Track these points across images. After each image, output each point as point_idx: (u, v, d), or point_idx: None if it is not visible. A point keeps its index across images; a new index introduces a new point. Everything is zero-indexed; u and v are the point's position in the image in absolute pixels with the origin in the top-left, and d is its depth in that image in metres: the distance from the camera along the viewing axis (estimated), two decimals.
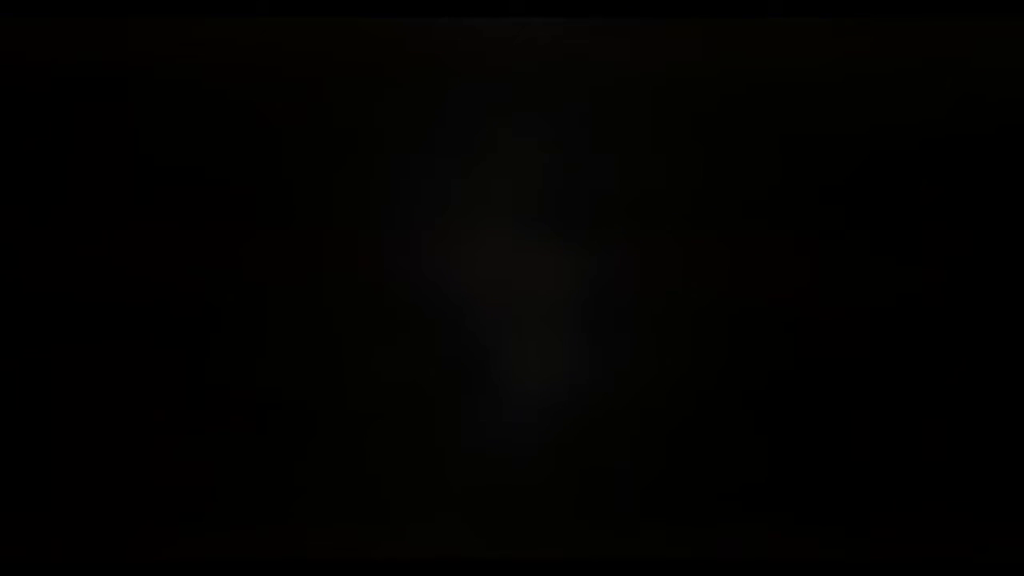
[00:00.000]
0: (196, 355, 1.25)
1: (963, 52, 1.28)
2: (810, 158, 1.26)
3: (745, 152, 1.26)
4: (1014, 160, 1.24)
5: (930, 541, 1.23)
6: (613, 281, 1.24)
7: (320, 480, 1.24)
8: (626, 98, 1.27)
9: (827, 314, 1.23)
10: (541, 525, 1.23)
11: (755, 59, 1.29)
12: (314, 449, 1.25)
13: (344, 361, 1.25)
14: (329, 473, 1.24)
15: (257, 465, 1.24)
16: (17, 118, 1.28)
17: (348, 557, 1.25)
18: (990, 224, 1.23)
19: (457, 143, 1.27)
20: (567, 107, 1.28)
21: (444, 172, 1.27)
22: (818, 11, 1.31)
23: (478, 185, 1.26)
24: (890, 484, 1.22)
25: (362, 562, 1.24)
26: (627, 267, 1.24)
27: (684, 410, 1.23)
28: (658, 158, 1.27)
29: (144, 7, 1.32)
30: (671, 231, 1.25)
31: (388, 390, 1.25)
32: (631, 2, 1.31)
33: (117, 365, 1.26)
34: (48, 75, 1.29)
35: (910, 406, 1.23)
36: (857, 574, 1.21)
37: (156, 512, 1.23)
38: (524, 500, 1.23)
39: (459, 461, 1.24)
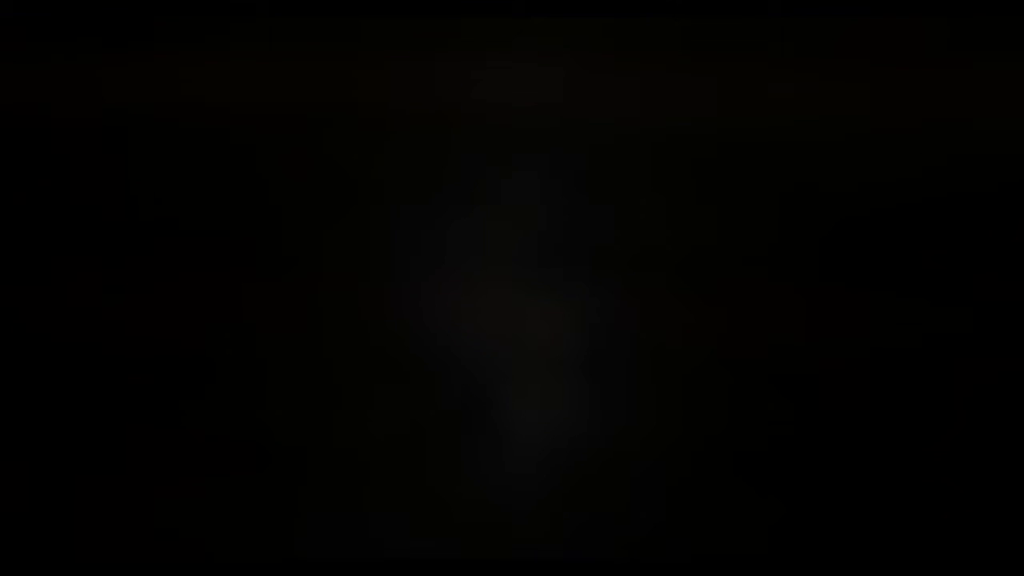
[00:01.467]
0: (194, 404, 1.25)
1: (958, 110, 1.28)
2: (808, 212, 1.26)
3: (744, 205, 1.26)
4: (1009, 216, 1.24)
5: None
6: (612, 331, 1.24)
7: (318, 527, 1.24)
8: (626, 150, 1.28)
9: (826, 367, 1.23)
10: (536, 573, 1.23)
11: (755, 114, 1.29)
12: (312, 496, 1.25)
13: (343, 410, 1.25)
14: (327, 520, 1.24)
15: (255, 512, 1.24)
16: (11, 166, 1.28)
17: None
18: (990, 279, 1.23)
19: (457, 192, 1.27)
20: (567, 158, 1.28)
21: (444, 221, 1.27)
22: (816, 65, 1.31)
23: (477, 234, 1.26)
24: (894, 544, 1.22)
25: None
26: (626, 318, 1.24)
27: (682, 460, 1.23)
28: (658, 209, 1.26)
29: (139, 51, 1.32)
30: (671, 282, 1.25)
31: (386, 438, 1.25)
32: (631, 52, 1.31)
33: (114, 412, 1.26)
34: (44, 122, 1.29)
35: (911, 461, 1.22)
36: None
37: (153, 560, 1.23)
38: (521, 547, 1.23)
39: (457, 509, 1.24)
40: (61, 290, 1.26)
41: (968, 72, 1.30)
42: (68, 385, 1.26)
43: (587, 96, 1.30)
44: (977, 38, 1.30)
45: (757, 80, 1.30)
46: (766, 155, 1.27)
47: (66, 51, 1.31)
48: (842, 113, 1.29)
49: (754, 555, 1.21)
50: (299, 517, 1.23)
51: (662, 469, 1.23)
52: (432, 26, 1.32)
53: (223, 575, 1.23)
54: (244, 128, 1.29)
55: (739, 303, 1.24)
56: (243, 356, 1.24)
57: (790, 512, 1.22)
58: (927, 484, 1.22)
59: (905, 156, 1.27)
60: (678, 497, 1.23)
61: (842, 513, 1.22)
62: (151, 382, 1.24)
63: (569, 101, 1.29)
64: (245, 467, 1.24)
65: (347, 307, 1.26)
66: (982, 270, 1.23)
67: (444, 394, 1.24)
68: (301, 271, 1.25)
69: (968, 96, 1.29)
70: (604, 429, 1.24)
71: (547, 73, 1.31)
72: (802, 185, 1.26)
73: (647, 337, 1.23)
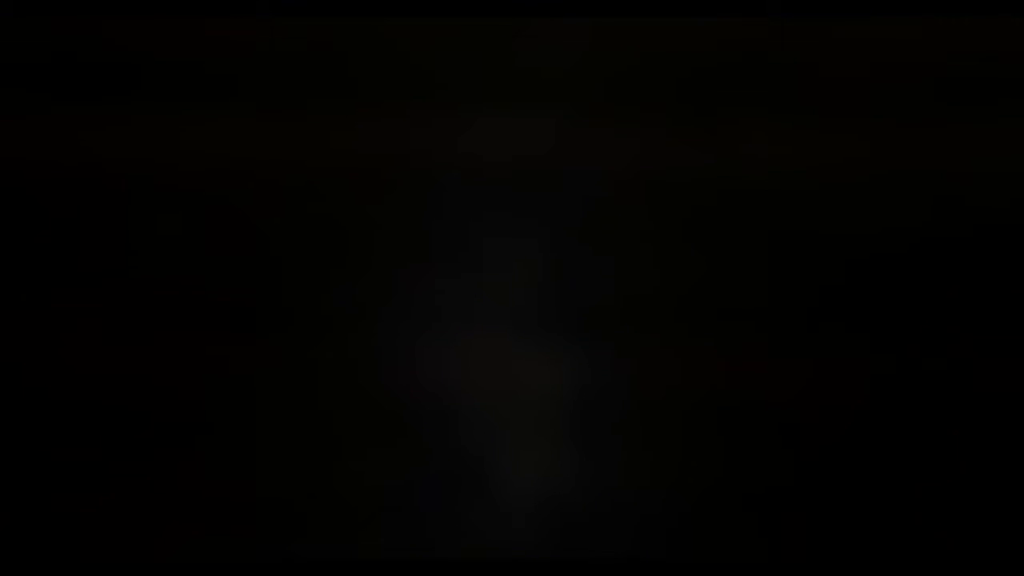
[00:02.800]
0: (188, 460, 1.25)
1: (949, 158, 1.29)
2: (801, 261, 1.26)
3: (737, 254, 1.26)
4: (1002, 262, 1.24)
5: None
6: (605, 383, 1.24)
7: None
8: (618, 201, 1.28)
9: (821, 416, 1.23)
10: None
11: (746, 163, 1.30)
12: (308, 551, 1.25)
13: (336, 465, 1.25)
14: (319, 573, 1.24)
15: (252, 568, 1.24)
16: (6, 221, 1.28)
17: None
18: (982, 324, 1.24)
19: (450, 247, 1.28)
20: (559, 210, 1.28)
21: (437, 276, 1.27)
22: (809, 113, 1.31)
23: (471, 289, 1.27)
24: None
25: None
26: (619, 369, 1.24)
27: (677, 515, 1.23)
28: (649, 260, 1.27)
29: (135, 108, 1.32)
30: (663, 333, 1.25)
31: (381, 493, 1.25)
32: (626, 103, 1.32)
33: (108, 467, 1.25)
34: (37, 179, 1.30)
35: (905, 508, 1.23)
36: None
37: None
38: None
39: (452, 563, 1.24)
40: (55, 347, 1.26)
41: (957, 121, 1.31)
42: (62, 442, 1.26)
43: (578, 147, 1.30)
44: (965, 88, 1.31)
45: (748, 129, 1.31)
46: (758, 204, 1.27)
47: (60, 107, 1.31)
48: (834, 161, 1.29)
49: None
50: (292, 571, 1.23)
51: (657, 521, 1.23)
52: (424, 73, 1.32)
53: None
54: (238, 185, 1.29)
55: (732, 353, 1.24)
56: (236, 412, 1.24)
57: (784, 559, 1.22)
58: (922, 531, 1.22)
59: (897, 204, 1.27)
60: (673, 548, 1.23)
61: (836, 561, 1.22)
62: (145, 438, 1.25)
63: (560, 153, 1.30)
64: (239, 522, 1.24)
65: (341, 364, 1.26)
66: (975, 317, 1.24)
67: (437, 450, 1.24)
68: (295, 327, 1.25)
69: (958, 144, 1.30)
70: (597, 482, 1.24)
71: (537, 125, 1.31)
72: (794, 234, 1.26)
73: (640, 388, 1.23)
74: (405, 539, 1.23)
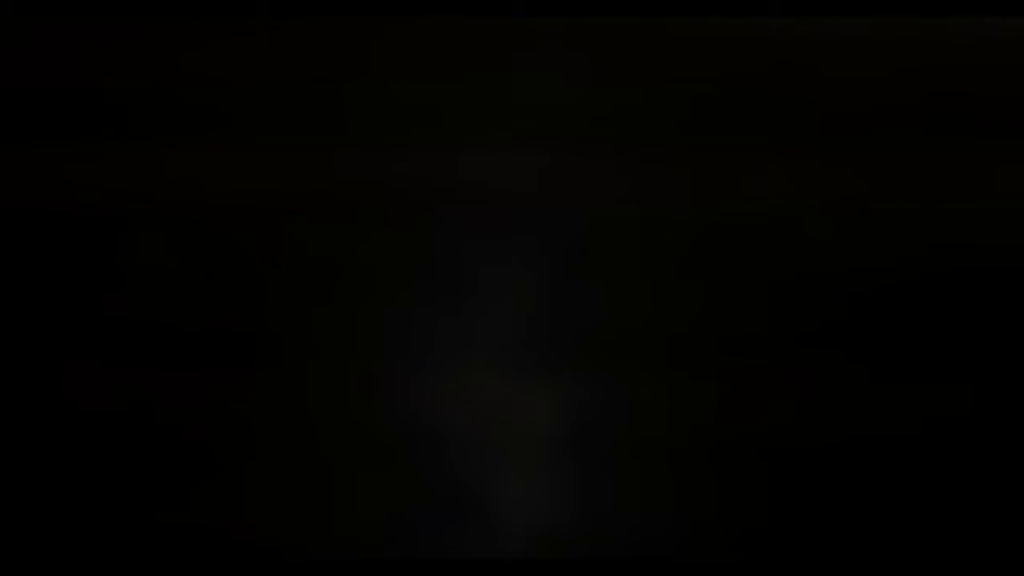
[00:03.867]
0: (183, 494, 1.25)
1: (946, 192, 1.29)
2: (795, 294, 1.26)
3: (731, 287, 1.26)
4: (997, 297, 1.25)
5: None
6: (599, 415, 1.24)
7: None
8: (612, 233, 1.28)
9: (816, 450, 1.23)
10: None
11: (741, 196, 1.30)
12: None
13: (332, 496, 1.25)
14: None
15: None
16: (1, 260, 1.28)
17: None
18: (981, 356, 1.24)
19: (443, 278, 1.28)
20: (553, 242, 1.28)
21: (430, 307, 1.27)
22: (803, 146, 1.32)
23: (464, 320, 1.27)
24: None
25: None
26: (613, 401, 1.24)
27: (673, 545, 1.23)
28: (648, 295, 1.27)
29: (123, 143, 1.32)
30: (657, 366, 1.25)
31: (375, 523, 1.25)
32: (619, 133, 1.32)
33: (105, 504, 1.25)
34: (29, 216, 1.29)
35: (905, 541, 1.23)
36: None
37: None
38: None
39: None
40: (48, 383, 1.26)
41: (956, 154, 1.31)
42: (59, 478, 1.26)
43: (574, 180, 1.31)
44: (963, 120, 1.32)
45: (743, 162, 1.31)
46: (752, 237, 1.28)
47: (48, 143, 1.31)
48: (827, 195, 1.30)
49: None
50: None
51: (653, 552, 1.23)
52: (418, 104, 1.33)
53: None
54: (230, 217, 1.29)
55: (727, 386, 1.24)
56: (232, 445, 1.24)
57: None
58: (921, 558, 1.22)
59: (892, 238, 1.28)
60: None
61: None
62: (141, 473, 1.25)
63: (556, 185, 1.30)
64: (238, 556, 1.24)
65: (335, 395, 1.26)
66: (971, 351, 1.24)
67: (432, 480, 1.24)
68: (289, 359, 1.25)
69: (956, 178, 1.30)
70: (592, 513, 1.24)
71: (531, 158, 1.31)
72: (788, 267, 1.27)
73: (634, 421, 1.23)
74: (399, 569, 1.23)
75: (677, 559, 1.23)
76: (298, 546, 1.23)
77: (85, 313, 1.27)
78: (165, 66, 1.32)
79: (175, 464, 1.24)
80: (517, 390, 1.24)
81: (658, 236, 1.27)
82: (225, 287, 1.27)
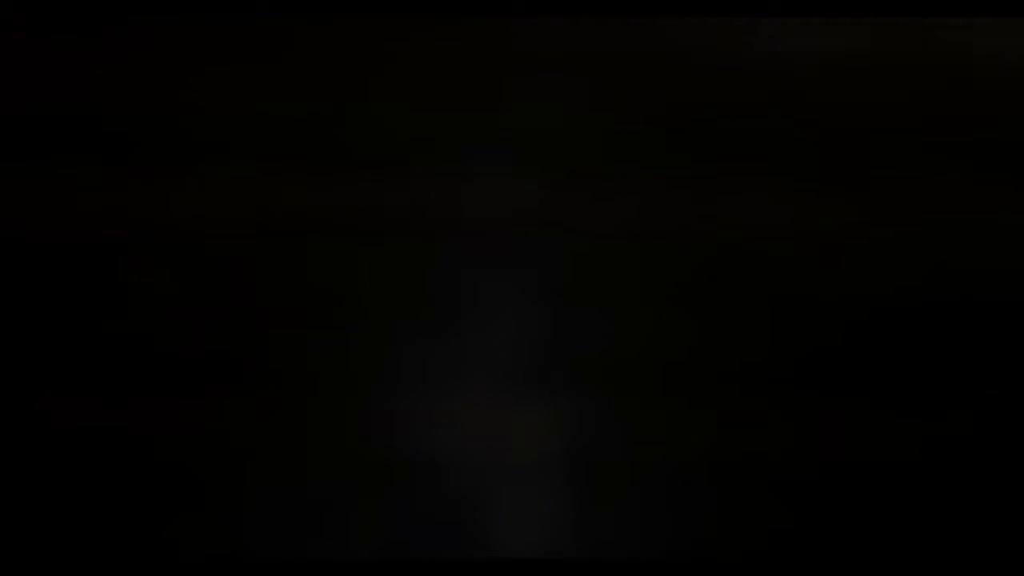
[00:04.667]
0: (177, 519, 1.25)
1: (940, 221, 1.30)
2: (794, 322, 1.26)
3: (730, 315, 1.26)
4: (994, 326, 1.25)
5: None
6: (597, 444, 1.24)
7: None
8: (610, 260, 1.28)
9: (814, 479, 1.23)
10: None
11: (739, 224, 1.30)
12: None
13: (327, 523, 1.25)
14: None
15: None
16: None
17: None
18: (981, 385, 1.24)
19: (440, 304, 1.28)
20: (551, 269, 1.29)
21: (427, 333, 1.27)
22: (801, 174, 1.32)
23: (462, 346, 1.27)
24: None
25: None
26: (610, 429, 1.24)
27: (670, 570, 1.23)
28: (647, 322, 1.27)
29: (119, 170, 1.33)
30: (655, 393, 1.25)
31: (370, 551, 1.25)
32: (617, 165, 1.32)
33: (97, 528, 1.25)
34: (24, 241, 1.30)
35: (905, 566, 1.23)
36: None
37: None
38: None
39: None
40: (40, 407, 1.26)
41: (954, 178, 1.32)
42: (49, 502, 1.26)
43: (572, 206, 1.31)
44: (960, 144, 1.32)
45: (741, 189, 1.31)
46: (751, 265, 1.28)
47: (45, 169, 1.32)
48: (826, 223, 1.30)
49: None
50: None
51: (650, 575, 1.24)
52: (416, 129, 1.33)
53: None
54: (225, 243, 1.29)
55: (725, 414, 1.24)
56: (226, 470, 1.24)
57: None
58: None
59: (889, 267, 1.28)
60: None
61: None
62: (134, 497, 1.24)
63: (554, 211, 1.30)
64: None
65: (331, 421, 1.26)
66: (968, 380, 1.24)
67: (429, 506, 1.24)
68: (287, 385, 1.25)
69: (949, 206, 1.30)
70: (590, 540, 1.24)
71: (528, 184, 1.32)
72: (787, 295, 1.27)
73: (632, 448, 1.23)
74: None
75: None
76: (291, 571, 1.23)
77: (79, 338, 1.27)
78: (163, 88, 1.32)
79: (168, 490, 1.24)
80: (515, 418, 1.24)
81: (656, 263, 1.27)
82: (223, 313, 1.27)
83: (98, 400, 1.26)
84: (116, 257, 1.28)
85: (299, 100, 1.32)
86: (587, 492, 1.24)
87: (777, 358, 1.24)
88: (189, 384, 1.25)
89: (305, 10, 1.43)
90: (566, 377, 1.25)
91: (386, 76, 1.34)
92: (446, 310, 1.27)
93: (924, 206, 1.29)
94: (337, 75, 1.34)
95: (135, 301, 1.27)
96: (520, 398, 1.25)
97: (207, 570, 1.23)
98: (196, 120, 1.32)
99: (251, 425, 1.24)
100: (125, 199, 1.30)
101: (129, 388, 1.26)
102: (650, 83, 1.32)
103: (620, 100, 1.32)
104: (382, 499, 1.23)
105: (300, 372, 1.26)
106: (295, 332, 1.27)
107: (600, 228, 1.29)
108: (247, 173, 1.32)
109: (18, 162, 1.31)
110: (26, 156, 1.31)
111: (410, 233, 1.28)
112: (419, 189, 1.30)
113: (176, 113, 1.33)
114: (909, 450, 1.22)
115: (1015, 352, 1.24)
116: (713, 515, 1.22)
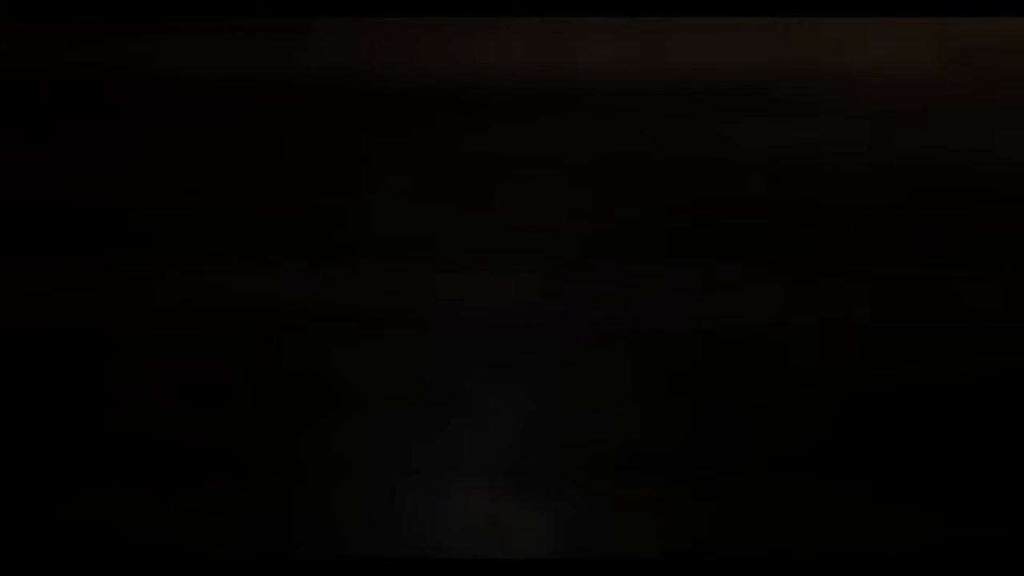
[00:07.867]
0: None
1: (933, 307, 1.31)
2: (790, 410, 1.28)
3: (725, 405, 1.27)
4: (990, 410, 1.27)
5: None
6: (591, 533, 1.24)
7: None
8: (604, 350, 1.29)
9: (810, 568, 1.24)
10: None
11: (734, 312, 1.31)
12: None
13: None
14: None
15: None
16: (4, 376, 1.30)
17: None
18: (976, 474, 1.26)
19: (432, 395, 1.29)
20: (544, 359, 1.30)
21: (418, 425, 1.28)
22: (791, 262, 1.34)
23: (454, 438, 1.28)
24: None
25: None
26: (605, 519, 1.25)
27: None
28: (636, 411, 1.28)
29: (104, 258, 1.34)
30: (651, 483, 1.26)
31: None
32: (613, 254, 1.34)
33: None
34: (21, 331, 1.31)
35: None
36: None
37: None
38: None
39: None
40: (34, 495, 1.27)
41: (948, 273, 1.33)
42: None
43: (566, 297, 1.32)
44: (952, 241, 1.34)
45: (736, 277, 1.33)
46: (746, 353, 1.29)
47: (44, 261, 1.33)
48: (820, 311, 1.31)
49: None
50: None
51: None
52: (406, 223, 1.35)
53: None
54: (216, 335, 1.31)
55: (722, 504, 1.25)
56: (215, 562, 1.25)
57: None
58: None
59: (884, 353, 1.29)
60: None
61: None
62: None
63: (547, 302, 1.32)
64: None
65: (321, 512, 1.26)
66: (968, 466, 1.26)
67: None
68: (275, 476, 1.26)
69: (944, 294, 1.32)
70: None
71: (522, 275, 1.33)
72: (782, 383, 1.28)
73: (627, 539, 1.24)
74: None
75: None
76: None
77: (68, 430, 1.28)
78: (160, 181, 1.34)
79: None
80: (507, 508, 1.25)
81: (651, 354, 1.28)
82: (211, 405, 1.28)
83: (85, 488, 1.27)
84: (104, 349, 1.29)
85: (297, 194, 1.35)
86: None
87: (772, 449, 1.25)
88: (176, 475, 1.26)
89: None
90: (559, 468, 1.26)
91: (383, 171, 1.36)
92: (439, 402, 1.28)
93: (918, 297, 1.31)
94: (334, 170, 1.36)
95: (123, 393, 1.28)
96: (513, 489, 1.26)
97: None
98: (194, 211, 1.34)
99: (239, 516, 1.25)
100: (117, 291, 1.32)
101: (122, 480, 1.27)
102: (648, 179, 1.35)
103: (616, 196, 1.34)
104: None
105: (289, 464, 1.27)
106: (285, 424, 1.28)
107: (594, 319, 1.31)
108: (245, 264, 1.33)
109: (10, 255, 1.33)
110: (19, 249, 1.33)
111: (404, 326, 1.30)
112: (413, 281, 1.31)
113: (173, 205, 1.35)
114: (909, 539, 1.23)
115: (1010, 440, 1.25)
116: None
